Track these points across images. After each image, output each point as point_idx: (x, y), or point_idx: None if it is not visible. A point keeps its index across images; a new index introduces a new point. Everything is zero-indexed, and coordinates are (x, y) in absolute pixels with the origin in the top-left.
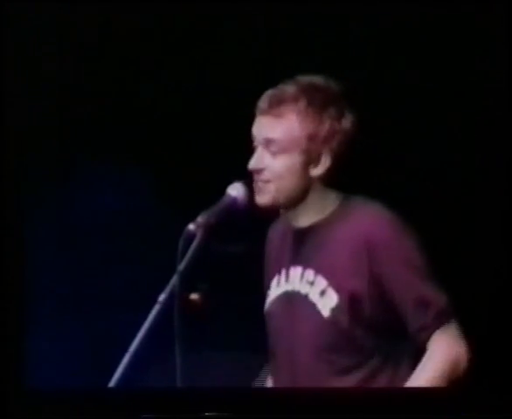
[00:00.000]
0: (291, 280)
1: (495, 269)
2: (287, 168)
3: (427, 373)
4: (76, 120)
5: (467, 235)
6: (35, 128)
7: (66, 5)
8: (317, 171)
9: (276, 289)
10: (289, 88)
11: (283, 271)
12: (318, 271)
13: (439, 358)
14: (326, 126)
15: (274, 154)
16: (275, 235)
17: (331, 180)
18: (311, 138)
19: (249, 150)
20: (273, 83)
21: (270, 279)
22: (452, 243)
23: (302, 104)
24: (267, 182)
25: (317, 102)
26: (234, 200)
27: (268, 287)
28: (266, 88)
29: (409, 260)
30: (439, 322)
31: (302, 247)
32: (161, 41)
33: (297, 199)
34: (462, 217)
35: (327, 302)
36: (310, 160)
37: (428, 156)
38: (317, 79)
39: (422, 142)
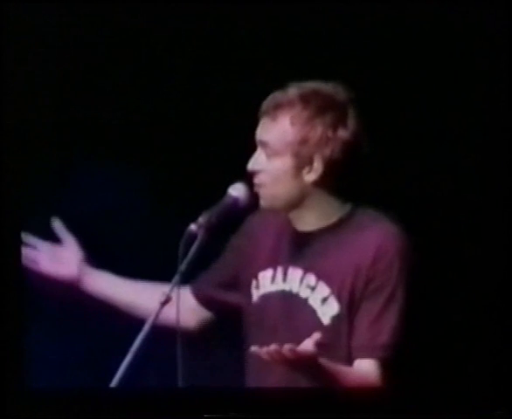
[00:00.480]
0: (289, 280)
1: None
2: (279, 171)
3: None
4: (76, 120)
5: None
6: (34, 129)
7: (66, 5)
8: (311, 176)
9: (271, 285)
10: (290, 92)
11: (279, 269)
12: (320, 277)
13: (358, 380)
14: (318, 131)
15: (269, 156)
16: (266, 226)
17: (332, 187)
18: (302, 142)
19: (251, 151)
20: (279, 84)
21: (259, 269)
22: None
23: (297, 109)
24: (262, 185)
25: (313, 107)
26: (235, 200)
27: (255, 276)
28: (272, 89)
29: (399, 284)
30: (380, 353)
31: (304, 250)
32: (162, 41)
33: (294, 204)
34: (462, 229)
35: (328, 310)
36: (302, 164)
37: (433, 168)
38: (322, 85)
39: (427, 153)
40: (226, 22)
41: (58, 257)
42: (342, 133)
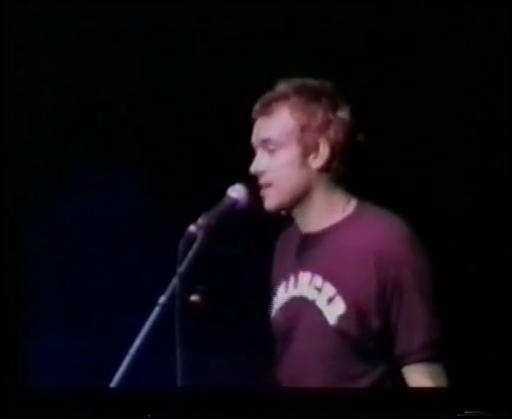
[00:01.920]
0: (299, 285)
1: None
2: (286, 163)
3: None
4: (76, 121)
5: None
6: (34, 130)
7: (66, 5)
8: (318, 162)
9: (283, 295)
10: (280, 87)
11: (291, 277)
12: (326, 277)
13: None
14: (319, 115)
15: (272, 151)
16: (283, 242)
17: (337, 175)
18: (305, 128)
19: (250, 151)
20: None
21: (275, 285)
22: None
23: (293, 99)
24: (269, 185)
25: (308, 95)
26: (235, 202)
27: (275, 293)
28: (268, 90)
29: (416, 283)
30: (423, 354)
31: (311, 252)
32: (161, 41)
33: (302, 196)
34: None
35: (334, 309)
36: (308, 150)
37: (433, 156)
38: (310, 80)
39: (426, 142)
40: (229, 20)
41: None
42: (342, 115)
